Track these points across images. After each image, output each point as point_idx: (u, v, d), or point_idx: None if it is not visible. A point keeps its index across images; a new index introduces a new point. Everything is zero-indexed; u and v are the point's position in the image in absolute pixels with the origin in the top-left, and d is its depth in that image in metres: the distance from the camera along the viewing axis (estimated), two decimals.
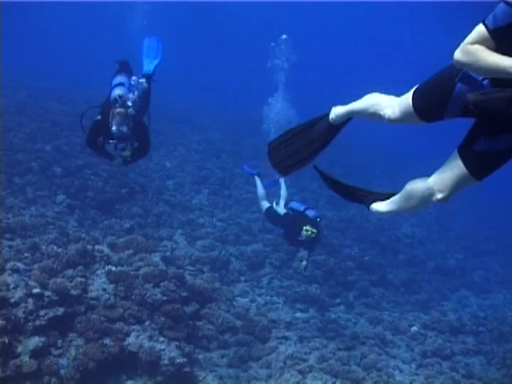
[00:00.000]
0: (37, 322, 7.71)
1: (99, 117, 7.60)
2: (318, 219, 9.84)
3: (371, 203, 3.72)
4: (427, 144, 28.97)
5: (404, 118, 3.15)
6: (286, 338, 10.37)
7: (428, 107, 2.98)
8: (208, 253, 12.45)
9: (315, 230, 9.57)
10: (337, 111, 3.62)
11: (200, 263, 11.94)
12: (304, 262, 10.17)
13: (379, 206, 3.68)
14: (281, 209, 10.62)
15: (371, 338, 10.98)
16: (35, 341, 7.50)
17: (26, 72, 24.91)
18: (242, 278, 12.44)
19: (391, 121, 3.24)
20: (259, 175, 11.65)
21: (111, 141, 7.57)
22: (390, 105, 3.23)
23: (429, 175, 3.28)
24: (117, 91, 7.52)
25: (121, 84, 7.75)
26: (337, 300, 12.75)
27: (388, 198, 3.63)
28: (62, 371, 7.47)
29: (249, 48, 43.50)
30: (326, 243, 14.12)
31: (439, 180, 3.12)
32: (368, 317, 12.03)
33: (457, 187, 3.07)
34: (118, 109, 7.32)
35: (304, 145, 3.71)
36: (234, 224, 14.38)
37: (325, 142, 3.70)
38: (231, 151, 19.42)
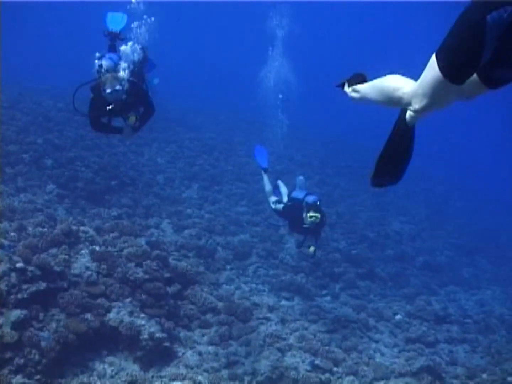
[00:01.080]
0: (20, 296, 7.83)
1: (91, 95, 7.57)
2: (318, 202, 9.93)
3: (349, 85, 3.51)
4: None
5: (434, 96, 2.72)
6: (268, 319, 10.51)
7: (461, 57, 2.49)
8: (195, 241, 12.59)
9: (318, 215, 9.70)
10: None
11: (186, 249, 12.11)
12: (312, 248, 10.21)
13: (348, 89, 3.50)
14: (278, 205, 10.79)
15: (353, 322, 11.11)
16: (17, 313, 7.61)
17: (22, 71, 25.25)
18: (228, 267, 12.59)
19: (421, 109, 2.86)
20: (266, 171, 11.70)
21: (109, 107, 7.37)
22: (411, 91, 2.85)
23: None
24: (99, 62, 7.55)
25: (104, 57, 7.74)
26: (324, 291, 12.85)
27: (360, 83, 3.40)
28: (43, 343, 7.59)
29: (246, 49, 43.96)
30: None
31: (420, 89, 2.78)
32: (353, 305, 12.14)
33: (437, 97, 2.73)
34: (106, 75, 7.28)
35: (399, 157, 3.41)
36: (222, 216, 14.58)
37: (411, 144, 3.36)
38: (223, 148, 19.64)
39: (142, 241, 10.58)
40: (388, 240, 16.42)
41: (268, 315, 10.69)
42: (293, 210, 10.19)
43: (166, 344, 8.54)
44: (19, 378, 7.18)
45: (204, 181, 16.63)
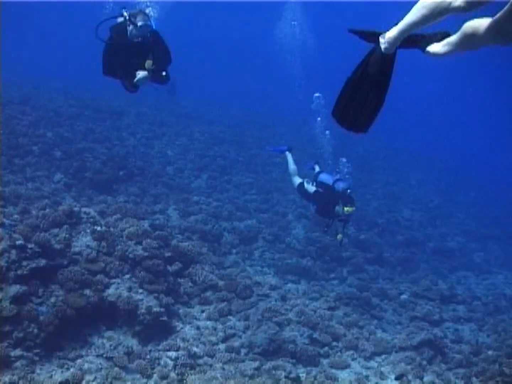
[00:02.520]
0: (19, 272, 8.02)
1: (111, 34, 7.16)
2: (349, 191, 9.84)
3: (426, 46, 3.23)
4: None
5: None
6: (268, 295, 10.58)
7: None
8: (200, 225, 12.71)
9: (354, 208, 9.67)
10: (389, 36, 3.06)
11: (189, 231, 12.24)
12: (340, 235, 10.14)
13: (436, 48, 3.17)
14: (310, 187, 10.69)
15: (356, 299, 11.12)
16: (16, 288, 7.80)
17: (33, 71, 25.74)
18: (234, 251, 12.70)
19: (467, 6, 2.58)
20: (290, 150, 11.75)
21: (134, 40, 6.96)
22: None
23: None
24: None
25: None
26: (331, 275, 12.87)
27: (442, 39, 3.15)
28: (41, 317, 7.77)
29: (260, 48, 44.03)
30: (322, 221, 14.34)
31: None
32: (357, 285, 12.15)
33: None
34: (135, 11, 7.02)
35: (369, 92, 3.23)
36: (230, 203, 14.66)
37: (386, 78, 3.20)
38: (233, 141, 19.73)
39: (145, 223, 10.70)
40: (398, 227, 16.37)
41: (269, 292, 10.76)
42: (325, 197, 10.14)
43: (164, 318, 8.68)
44: (18, 351, 7.39)
45: (213, 171, 16.72)
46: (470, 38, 2.82)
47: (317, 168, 11.33)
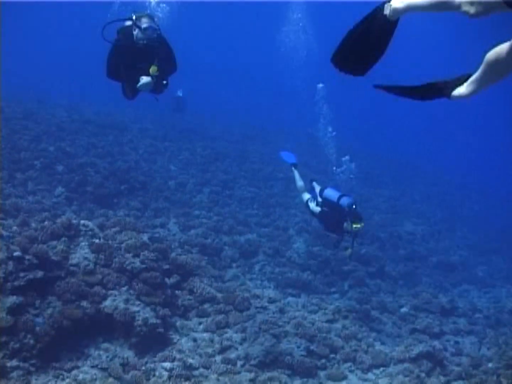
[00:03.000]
0: (16, 283, 8.06)
1: (116, 37, 7.11)
2: (354, 206, 9.76)
3: (451, 91, 3.23)
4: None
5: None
6: (266, 308, 10.57)
7: None
8: (200, 239, 12.75)
9: (362, 224, 9.58)
10: (394, 7, 2.99)
11: (189, 245, 12.28)
12: (349, 250, 10.14)
13: (461, 90, 3.18)
14: (315, 207, 10.64)
15: (354, 312, 11.09)
16: (12, 299, 7.84)
17: (37, 79, 26.03)
18: (234, 265, 12.71)
19: (476, 13, 2.59)
20: (296, 166, 11.74)
21: (140, 42, 6.90)
22: None
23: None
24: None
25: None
26: (332, 289, 12.85)
27: (466, 81, 3.15)
28: (38, 328, 7.81)
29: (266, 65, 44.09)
30: (323, 236, 14.34)
31: None
32: (357, 298, 12.12)
33: None
34: (141, 14, 6.96)
35: (368, 45, 3.21)
36: (231, 217, 14.69)
37: (387, 38, 3.18)
38: (236, 156, 19.80)
39: (144, 236, 10.74)
40: (401, 241, 16.33)
41: (267, 304, 10.75)
42: (331, 215, 10.11)
43: (160, 330, 8.70)
44: (14, 361, 7.40)
45: (215, 186, 16.75)
46: (495, 65, 2.78)
47: (316, 188, 11.26)
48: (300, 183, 11.38)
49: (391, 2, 2.98)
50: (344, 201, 9.91)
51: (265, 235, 14.19)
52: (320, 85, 14.91)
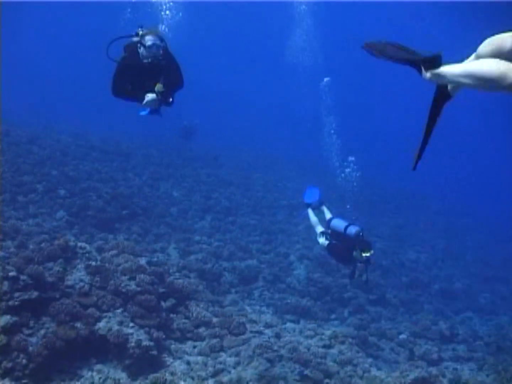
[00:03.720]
0: (11, 303, 8.12)
1: (123, 54, 6.99)
2: (361, 234, 9.69)
3: (427, 67, 3.17)
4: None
5: None
6: (261, 332, 10.51)
7: None
8: (199, 264, 12.76)
9: (372, 251, 9.47)
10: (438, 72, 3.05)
11: (187, 269, 12.29)
12: (364, 277, 9.98)
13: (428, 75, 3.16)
14: (324, 241, 10.55)
15: (351, 338, 11.01)
16: (6, 319, 7.89)
17: (44, 111, 26.32)
18: (233, 290, 12.73)
19: None
20: (309, 206, 11.50)
21: (147, 60, 6.78)
22: None
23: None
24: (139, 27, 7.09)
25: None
26: (332, 316, 12.80)
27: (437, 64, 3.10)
28: (31, 348, 7.83)
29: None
30: (324, 263, 14.34)
31: None
32: (355, 324, 12.06)
33: None
34: (147, 31, 6.84)
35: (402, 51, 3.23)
36: (232, 243, 14.70)
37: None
38: (240, 184, 19.89)
39: (142, 260, 10.77)
40: (403, 268, 16.27)
41: (263, 329, 10.71)
42: (340, 247, 10.01)
43: (154, 352, 8.67)
44: (6, 381, 7.42)
45: (218, 213, 16.83)
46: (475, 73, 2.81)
47: (326, 213, 11.24)
48: (313, 218, 11.22)
49: (427, 76, 3.10)
50: (351, 230, 9.90)
51: (266, 262, 14.18)
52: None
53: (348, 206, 12.01)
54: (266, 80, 52.05)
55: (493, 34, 2.80)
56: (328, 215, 11.08)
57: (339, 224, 10.26)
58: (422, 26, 37.36)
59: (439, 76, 3.06)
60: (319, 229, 10.95)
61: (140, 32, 6.88)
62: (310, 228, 14.19)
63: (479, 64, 2.80)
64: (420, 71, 3.22)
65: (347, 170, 13.97)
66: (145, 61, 6.79)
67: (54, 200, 13.58)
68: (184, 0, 13.47)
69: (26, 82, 36.48)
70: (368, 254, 9.46)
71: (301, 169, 24.80)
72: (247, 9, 47.68)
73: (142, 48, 6.76)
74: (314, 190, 12.08)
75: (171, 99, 7.19)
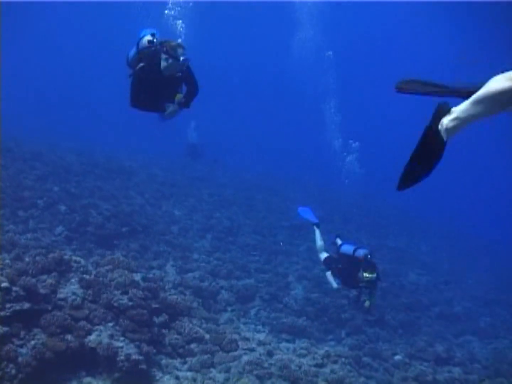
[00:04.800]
0: (2, 313, 8.17)
1: (141, 64, 6.83)
2: (369, 256, 9.90)
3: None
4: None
5: None
6: (253, 350, 10.49)
7: None
8: (196, 282, 12.78)
9: (374, 274, 9.67)
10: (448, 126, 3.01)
11: (183, 286, 12.30)
12: (368, 303, 10.20)
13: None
14: (327, 270, 10.87)
15: (344, 357, 10.96)
16: None
17: (48, 127, 26.62)
18: (229, 308, 12.72)
19: None
20: (318, 226, 11.73)
21: (168, 73, 6.73)
22: None
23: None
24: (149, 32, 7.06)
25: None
26: (329, 336, 12.77)
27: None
28: (20, 359, 7.86)
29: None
30: (322, 283, 14.33)
31: None
32: (349, 344, 12.02)
33: None
34: (169, 41, 6.72)
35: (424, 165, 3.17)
36: (231, 263, 14.73)
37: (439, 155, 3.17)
38: (242, 204, 19.97)
39: (137, 276, 10.81)
40: (403, 290, 16.22)
41: (255, 346, 10.68)
42: (346, 270, 10.21)
43: (143, 366, 8.67)
44: None
45: (219, 232, 16.89)
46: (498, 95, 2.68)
47: (338, 241, 11.32)
48: (320, 242, 11.40)
49: (444, 125, 2.99)
50: (360, 252, 10.08)
51: (264, 281, 14.20)
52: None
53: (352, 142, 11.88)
54: (272, 100, 52.11)
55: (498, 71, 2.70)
56: (339, 241, 11.20)
57: (348, 248, 10.51)
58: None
59: (453, 120, 2.96)
60: (324, 254, 11.04)
61: (156, 39, 6.85)
62: (312, 249, 14.29)
63: (486, 87, 2.72)
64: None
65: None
66: (169, 73, 6.75)
67: (54, 216, 13.67)
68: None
69: (28, 92, 36.64)
70: (369, 276, 9.52)
71: (305, 190, 24.86)
72: (248, 12, 47.43)
73: (170, 61, 6.65)
74: (306, 209, 12.21)
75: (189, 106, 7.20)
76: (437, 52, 37.12)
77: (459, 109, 2.91)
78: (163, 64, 6.67)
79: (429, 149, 3.08)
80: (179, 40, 7.01)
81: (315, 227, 11.66)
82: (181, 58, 6.63)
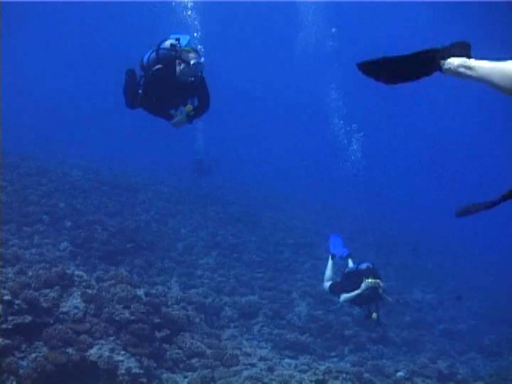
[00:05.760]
0: (4, 326, 8.26)
1: (158, 66, 6.69)
2: (372, 266, 9.91)
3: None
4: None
5: None
6: (254, 365, 10.50)
7: None
8: (199, 298, 12.81)
9: (376, 280, 9.57)
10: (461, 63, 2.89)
11: (186, 302, 12.32)
12: (375, 315, 9.99)
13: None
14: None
15: (345, 373, 10.93)
16: None
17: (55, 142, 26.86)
18: (232, 325, 12.73)
19: None
20: (334, 257, 11.55)
21: (182, 78, 6.60)
22: None
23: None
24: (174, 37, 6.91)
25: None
26: (332, 353, 12.75)
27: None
28: (21, 371, 7.93)
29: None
30: (325, 300, 14.33)
31: None
32: (351, 360, 12.00)
33: None
34: (187, 47, 6.67)
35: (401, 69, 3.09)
36: (235, 279, 14.76)
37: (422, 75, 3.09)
38: (248, 221, 20.00)
39: (140, 291, 10.87)
40: (407, 308, 16.16)
41: (256, 362, 10.69)
42: (351, 284, 10.05)
43: (143, 380, 8.72)
44: None
45: (224, 249, 16.92)
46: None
47: (350, 263, 11.30)
48: (329, 273, 11.28)
49: (454, 64, 2.91)
50: (363, 265, 10.08)
51: (267, 298, 14.19)
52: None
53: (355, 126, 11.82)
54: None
55: None
56: (350, 264, 11.21)
57: (351, 264, 10.72)
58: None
59: (467, 67, 2.87)
60: (329, 283, 11.01)
61: (177, 44, 6.74)
62: (316, 266, 14.32)
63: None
64: (438, 66, 3.03)
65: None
66: (182, 78, 6.62)
67: (60, 231, 13.79)
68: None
69: (28, 97, 36.67)
70: (372, 281, 9.49)
71: (312, 208, 24.92)
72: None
73: (182, 65, 6.56)
74: (337, 238, 12.13)
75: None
76: None
77: (479, 64, 2.79)
78: (177, 69, 6.59)
79: (418, 63, 3.00)
80: (198, 47, 7.16)
81: (330, 257, 11.48)
82: (192, 62, 6.51)
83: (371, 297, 9.85)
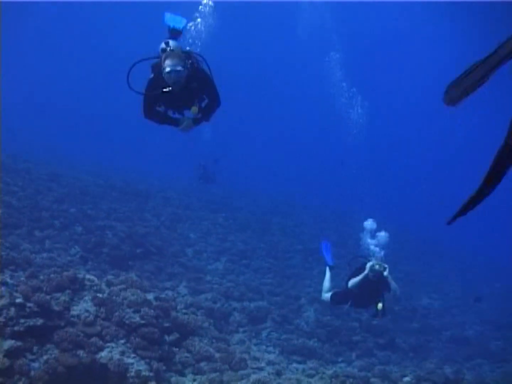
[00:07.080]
0: (16, 328, 8.39)
1: (151, 75, 6.47)
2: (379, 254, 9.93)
3: None
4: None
5: None
6: (262, 369, 10.60)
7: None
8: (208, 303, 12.93)
9: (380, 263, 9.62)
10: None
11: (195, 307, 12.45)
12: (380, 304, 9.79)
13: None
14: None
15: (352, 378, 11.00)
16: (11, 343, 8.15)
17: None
18: (241, 330, 12.84)
19: None
20: (332, 268, 11.52)
21: (165, 89, 6.16)
22: None
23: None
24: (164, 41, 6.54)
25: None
26: (340, 358, 12.82)
27: None
28: (32, 373, 8.06)
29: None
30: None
31: None
32: (358, 365, 12.06)
33: None
34: (169, 50, 6.26)
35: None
36: (244, 285, 14.87)
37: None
38: (257, 228, 20.13)
39: (150, 295, 11.00)
40: (415, 314, 16.22)
41: (264, 366, 10.78)
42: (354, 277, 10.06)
43: (152, 383, 8.82)
44: None
45: (233, 255, 17.05)
46: None
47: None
48: (328, 283, 11.22)
49: None
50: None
51: (276, 303, 14.30)
52: None
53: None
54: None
55: None
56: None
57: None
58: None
59: None
60: (329, 294, 11.01)
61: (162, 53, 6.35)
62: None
63: None
64: None
65: None
66: (166, 89, 6.21)
67: (70, 236, 13.95)
68: None
69: (29, 99, 36.68)
70: (377, 264, 9.48)
71: (320, 215, 25.00)
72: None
73: (163, 72, 6.19)
74: (328, 245, 12.15)
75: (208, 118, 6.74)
76: (449, 53, 36.82)
77: None
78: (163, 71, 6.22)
79: (501, 166, 2.67)
80: (187, 48, 6.77)
81: (327, 269, 11.43)
82: (166, 70, 6.10)
83: (376, 283, 9.77)
